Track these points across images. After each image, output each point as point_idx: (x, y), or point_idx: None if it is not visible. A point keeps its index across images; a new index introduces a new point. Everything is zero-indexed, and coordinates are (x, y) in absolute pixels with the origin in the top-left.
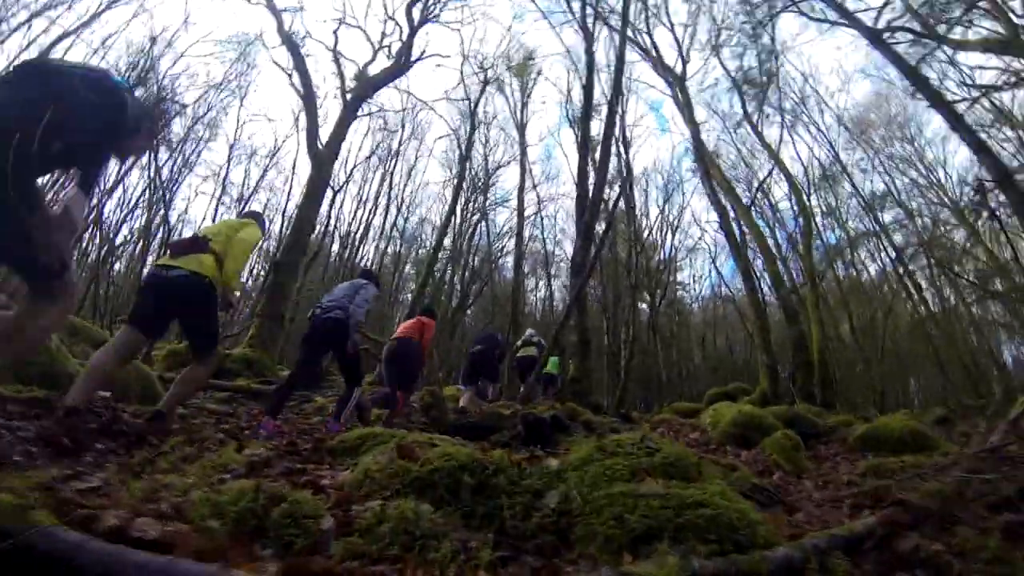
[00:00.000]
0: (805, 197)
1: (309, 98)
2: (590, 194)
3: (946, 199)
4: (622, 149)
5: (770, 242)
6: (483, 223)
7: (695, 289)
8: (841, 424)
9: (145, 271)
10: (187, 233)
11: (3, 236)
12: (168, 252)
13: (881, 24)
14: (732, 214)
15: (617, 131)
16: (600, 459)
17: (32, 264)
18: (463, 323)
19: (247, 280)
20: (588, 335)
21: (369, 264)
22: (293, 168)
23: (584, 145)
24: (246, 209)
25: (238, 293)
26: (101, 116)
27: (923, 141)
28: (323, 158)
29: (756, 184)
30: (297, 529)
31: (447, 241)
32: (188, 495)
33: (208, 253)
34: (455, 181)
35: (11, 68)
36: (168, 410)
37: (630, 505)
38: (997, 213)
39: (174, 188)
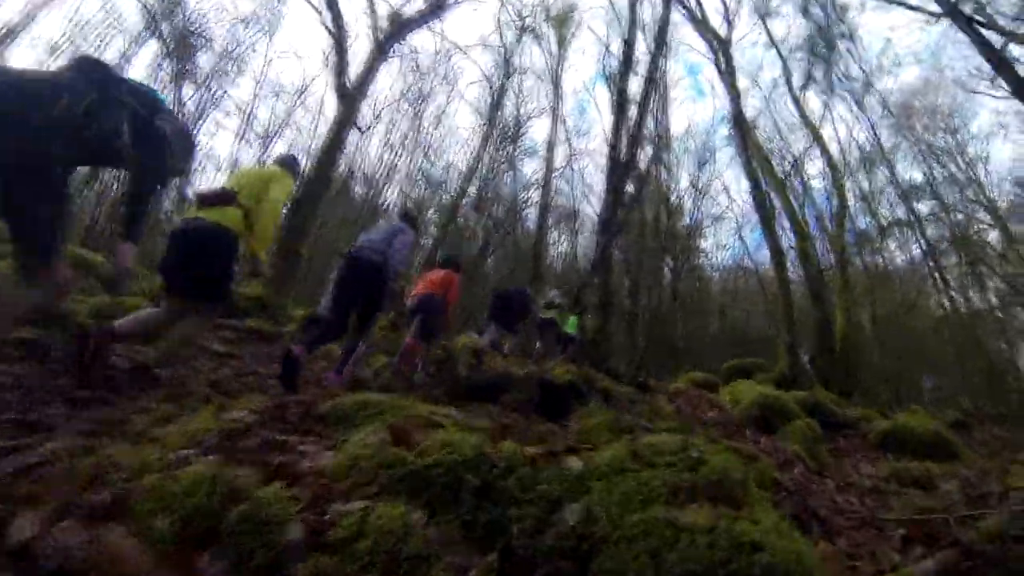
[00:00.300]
0: (841, 178)
1: (339, 36)
2: (623, 153)
3: (983, 197)
4: (659, 109)
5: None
6: (510, 172)
7: (717, 258)
8: (862, 417)
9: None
10: (210, 171)
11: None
12: (196, 203)
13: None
14: (764, 186)
15: (656, 91)
16: (634, 470)
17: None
18: (484, 271)
19: None
20: (611, 297)
21: (392, 208)
22: (320, 108)
23: (621, 102)
24: (271, 149)
25: (262, 263)
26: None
27: (967, 135)
28: (350, 97)
29: (791, 159)
30: (258, 538)
31: (472, 188)
32: (139, 479)
33: (235, 206)
34: (484, 128)
35: (81, 58)
36: (156, 364)
37: (669, 538)
38: None
39: (198, 124)
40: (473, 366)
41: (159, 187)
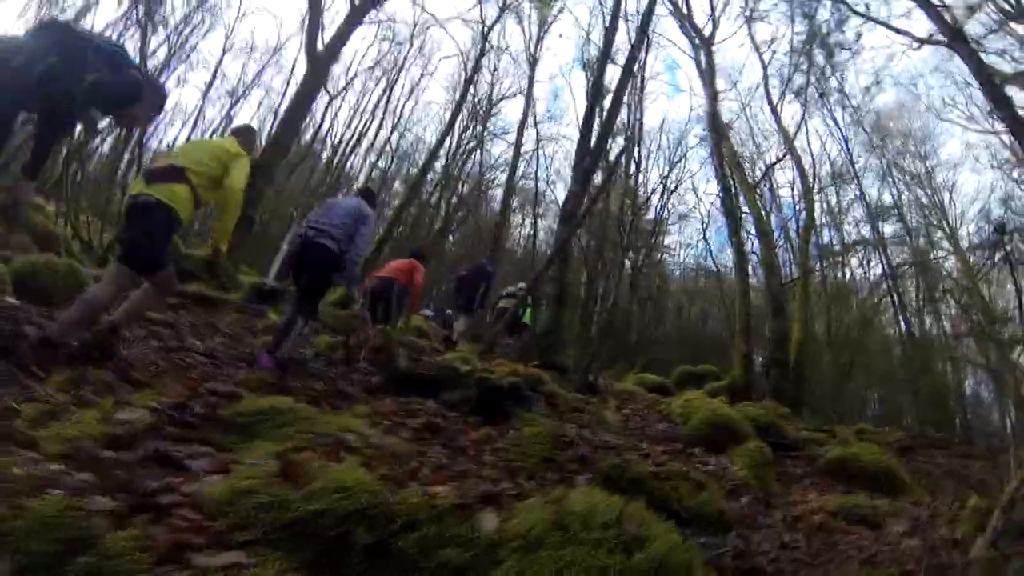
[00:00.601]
0: (812, 190)
1: None
2: (593, 141)
3: (946, 225)
4: (635, 101)
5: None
6: (478, 151)
7: (680, 256)
8: (811, 440)
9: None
10: (176, 126)
11: None
12: (144, 178)
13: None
14: (734, 190)
15: (633, 82)
16: (556, 544)
17: None
18: (444, 249)
19: None
20: (566, 289)
21: (357, 177)
22: (292, 69)
23: (596, 89)
24: (237, 109)
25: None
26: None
27: (936, 161)
28: (321, 60)
29: (763, 166)
30: None
31: (438, 164)
32: None
33: (183, 183)
34: (455, 103)
35: (43, 22)
36: (117, 325)
37: None
38: (1012, 257)
39: (164, 77)
40: (413, 358)
41: (60, 131)
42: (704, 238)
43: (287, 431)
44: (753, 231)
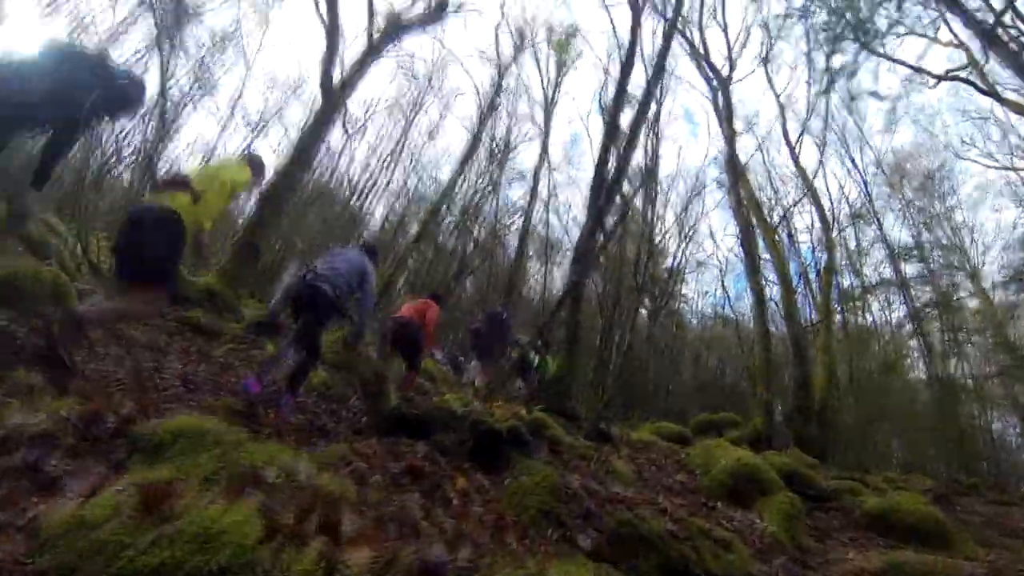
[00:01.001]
0: (831, 232)
1: (332, 26)
2: (608, 179)
3: (967, 265)
4: (651, 142)
5: None
6: (494, 196)
7: (698, 304)
8: (844, 489)
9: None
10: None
11: None
12: (151, 189)
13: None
14: (754, 233)
15: (650, 117)
16: None
17: None
18: (457, 293)
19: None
20: (579, 332)
21: (372, 214)
22: (312, 105)
23: (611, 127)
24: (255, 141)
25: (204, 236)
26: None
27: (955, 200)
28: (335, 93)
29: (781, 210)
30: None
31: (455, 208)
32: None
33: (185, 192)
34: (471, 139)
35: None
36: (84, 318)
37: None
38: None
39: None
40: (408, 397)
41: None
42: (722, 285)
43: (203, 457)
44: (773, 276)
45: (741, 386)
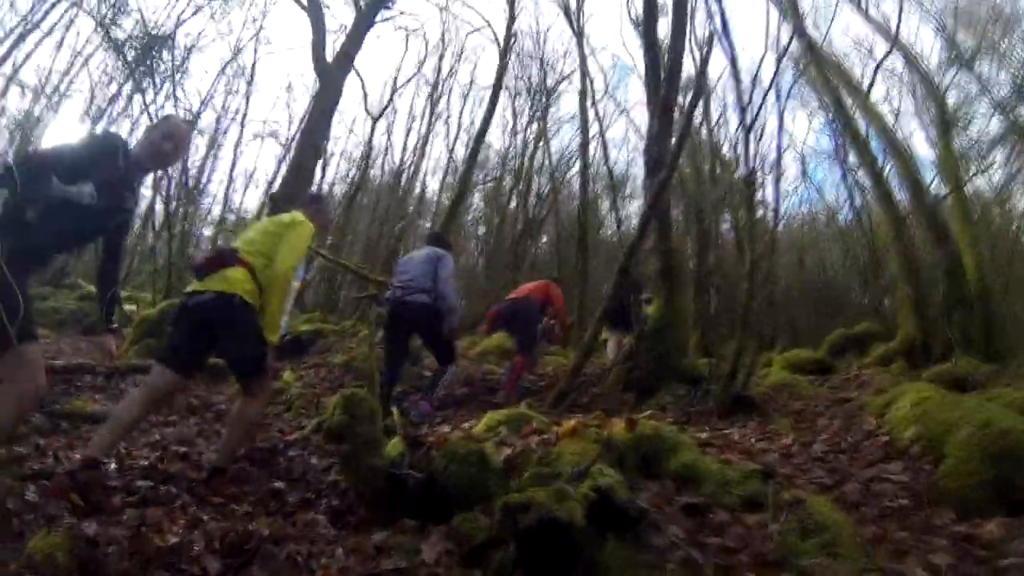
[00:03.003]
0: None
1: (314, 5)
2: (664, 61)
3: None
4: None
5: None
6: (545, 145)
7: (782, 207)
8: None
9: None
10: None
11: None
12: (194, 274)
13: None
14: (845, 104)
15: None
16: None
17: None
18: (531, 254)
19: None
20: (674, 262)
21: (422, 196)
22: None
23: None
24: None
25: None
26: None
27: None
28: (331, 72)
29: (872, 68)
30: None
31: (509, 167)
32: None
33: (236, 266)
34: (495, 78)
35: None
36: (224, 464)
37: None
38: None
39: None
40: (414, 439)
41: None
42: (806, 177)
43: None
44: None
45: (850, 286)
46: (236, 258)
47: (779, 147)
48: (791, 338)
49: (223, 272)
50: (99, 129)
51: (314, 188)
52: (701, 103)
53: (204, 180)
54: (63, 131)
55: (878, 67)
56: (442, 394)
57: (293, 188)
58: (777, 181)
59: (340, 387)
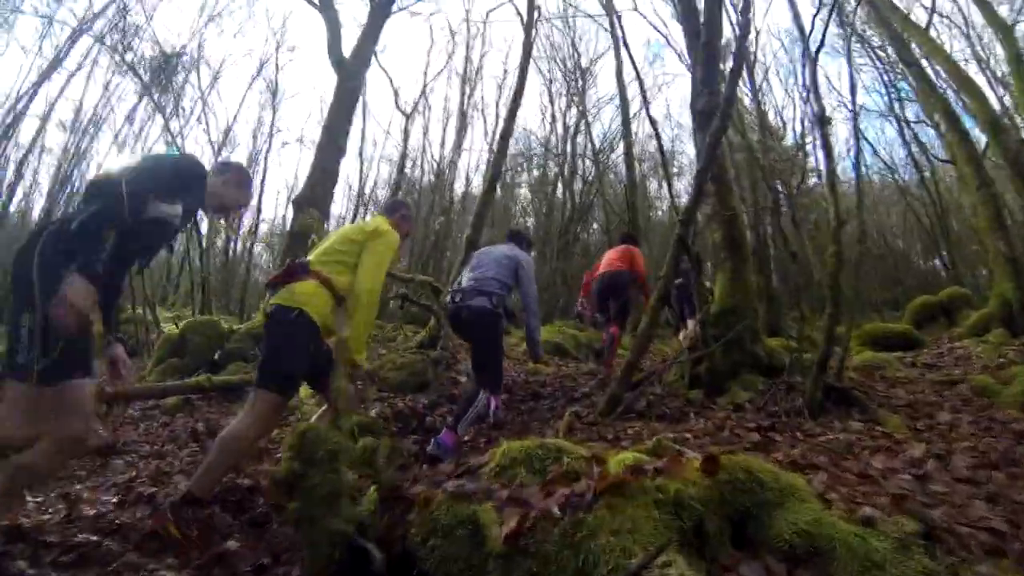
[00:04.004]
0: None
1: (328, 6)
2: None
3: None
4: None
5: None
6: (585, 126)
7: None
8: None
9: None
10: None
11: None
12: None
13: None
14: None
15: None
16: None
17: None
18: (582, 240)
19: None
20: (738, 232)
21: (468, 190)
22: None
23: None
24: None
25: (359, 371)
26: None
27: None
28: (348, 65)
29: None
30: None
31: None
32: None
33: (307, 279)
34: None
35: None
36: (200, 491)
37: None
38: None
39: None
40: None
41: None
42: (859, 135)
43: None
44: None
45: (917, 251)
46: (306, 270)
47: (852, 77)
48: (859, 310)
49: (291, 286)
50: (176, 150)
51: (397, 196)
52: (745, 70)
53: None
54: (105, 160)
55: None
56: (471, 429)
57: (319, 190)
58: (855, 116)
59: (362, 403)
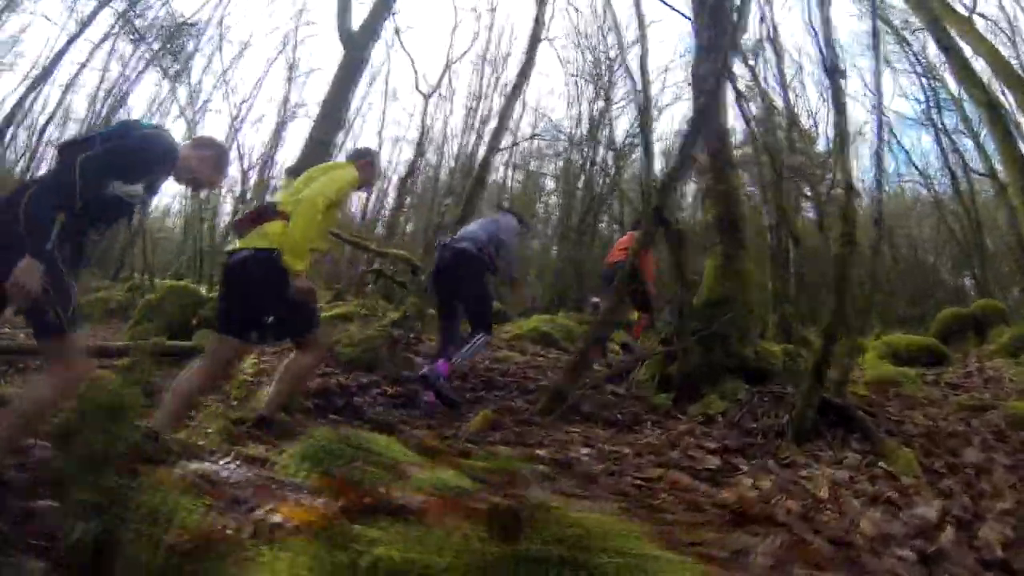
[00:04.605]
0: None
1: None
2: None
3: None
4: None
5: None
6: (608, 115)
7: (860, 183)
8: None
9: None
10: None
11: None
12: (235, 233)
13: None
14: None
15: None
16: None
17: None
18: (596, 230)
19: None
20: (736, 205)
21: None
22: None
23: None
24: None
25: (300, 279)
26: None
27: None
28: (357, 39)
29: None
30: None
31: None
32: None
33: (276, 219)
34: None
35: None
36: (271, 414)
37: None
38: None
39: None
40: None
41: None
42: (896, 142)
43: None
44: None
45: (942, 267)
46: (275, 212)
47: (877, 58)
48: (883, 322)
49: (262, 228)
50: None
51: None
52: (774, 64)
53: (268, 174)
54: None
55: None
56: (467, 363)
57: (308, 162)
58: (878, 101)
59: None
